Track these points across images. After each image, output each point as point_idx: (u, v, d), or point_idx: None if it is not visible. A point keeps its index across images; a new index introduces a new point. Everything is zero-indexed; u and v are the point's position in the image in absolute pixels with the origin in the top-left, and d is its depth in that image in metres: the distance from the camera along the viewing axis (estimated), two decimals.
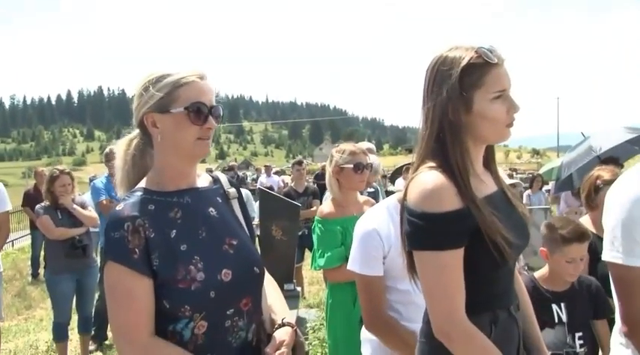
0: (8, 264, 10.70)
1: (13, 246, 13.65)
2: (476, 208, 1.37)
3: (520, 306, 1.62)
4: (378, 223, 2.16)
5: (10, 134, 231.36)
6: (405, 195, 1.44)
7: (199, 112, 1.43)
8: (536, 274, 2.71)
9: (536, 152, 71.06)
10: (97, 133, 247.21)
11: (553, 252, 2.56)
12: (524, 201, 9.34)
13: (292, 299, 5.28)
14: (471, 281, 1.39)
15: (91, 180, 11.26)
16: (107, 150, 5.59)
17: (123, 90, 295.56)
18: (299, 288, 6.15)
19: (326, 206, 3.00)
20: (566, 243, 2.50)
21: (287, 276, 5.53)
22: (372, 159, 4.67)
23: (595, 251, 2.63)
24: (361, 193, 3.24)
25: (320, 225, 2.93)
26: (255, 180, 18.22)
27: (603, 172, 3.00)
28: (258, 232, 5.70)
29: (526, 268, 4.89)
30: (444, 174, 1.39)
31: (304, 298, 6.83)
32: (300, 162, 7.04)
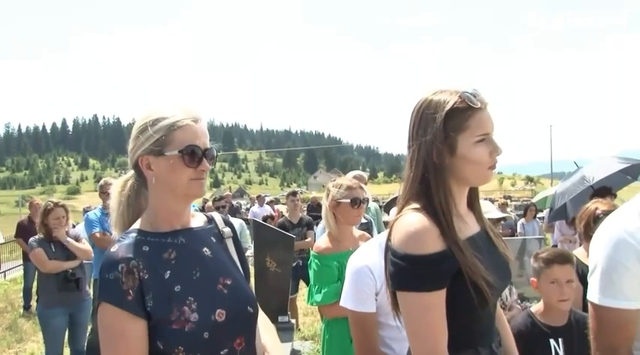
0: (0, 295, 10.62)
1: (5, 276, 13.54)
2: (458, 250, 1.40)
3: (502, 342, 1.65)
4: (371, 259, 2.18)
5: (4, 162, 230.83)
6: (389, 235, 1.47)
7: (193, 155, 1.46)
8: (533, 309, 2.73)
9: (530, 179, 71.34)
10: (91, 162, 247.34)
11: (539, 278, 2.63)
12: (519, 229, 9.36)
13: (286, 331, 5.26)
14: (453, 320, 1.41)
15: (85, 211, 11.24)
16: (102, 181, 5.60)
17: (118, 118, 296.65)
18: (293, 320, 6.12)
19: (322, 241, 3.01)
20: (547, 265, 2.60)
21: (281, 308, 5.51)
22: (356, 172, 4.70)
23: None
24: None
25: (316, 261, 2.93)
26: (249, 210, 18.24)
27: (601, 204, 3.05)
28: (251, 263, 5.70)
29: (519, 301, 4.88)
30: (428, 216, 1.42)
31: (299, 330, 6.77)
32: (294, 193, 7.04)
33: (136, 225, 1.52)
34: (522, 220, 9.41)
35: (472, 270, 1.39)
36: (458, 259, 1.39)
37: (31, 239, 4.76)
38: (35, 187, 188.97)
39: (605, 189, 5.56)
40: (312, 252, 3.03)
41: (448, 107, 1.43)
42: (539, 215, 11.38)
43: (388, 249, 1.47)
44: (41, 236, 4.70)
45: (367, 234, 3.18)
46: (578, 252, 3.10)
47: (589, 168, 5.95)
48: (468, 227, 1.51)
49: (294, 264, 6.15)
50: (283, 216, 8.58)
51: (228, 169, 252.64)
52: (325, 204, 2.95)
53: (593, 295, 1.59)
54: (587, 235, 3.03)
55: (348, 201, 2.86)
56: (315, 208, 13.38)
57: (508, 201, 43.34)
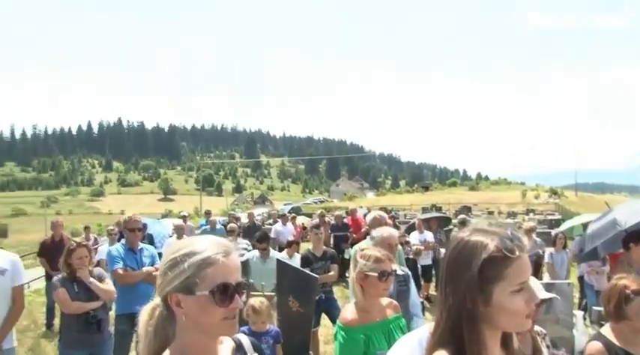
0: (25, 310, 10.67)
1: (29, 287, 13.63)
2: None
3: None
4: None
5: (30, 163, 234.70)
6: None
7: (225, 293, 1.39)
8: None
9: (554, 192, 70.16)
10: (115, 164, 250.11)
11: None
12: (546, 259, 9.14)
13: None
14: None
15: (109, 234, 11.30)
16: (126, 217, 5.59)
17: (142, 122, 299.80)
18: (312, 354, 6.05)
19: (349, 311, 2.92)
20: None
21: (302, 348, 5.42)
22: (385, 229, 4.63)
23: None
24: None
25: (342, 333, 2.85)
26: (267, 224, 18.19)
27: (628, 281, 2.92)
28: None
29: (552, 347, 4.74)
30: None
31: None
32: (317, 226, 6.98)
33: None
34: (552, 250, 9.17)
35: None
36: None
37: (55, 278, 4.75)
38: (60, 188, 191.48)
39: (638, 234, 5.38)
40: (337, 323, 2.95)
41: (485, 255, 1.36)
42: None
43: None
44: (64, 275, 4.68)
45: (395, 302, 3.09)
46: (607, 332, 2.96)
47: (621, 212, 5.79)
48: None
49: (317, 298, 6.09)
50: (307, 235, 8.45)
51: (250, 175, 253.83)
52: (352, 274, 2.88)
53: None
54: (618, 315, 2.90)
55: (376, 274, 2.78)
56: (339, 227, 13.29)
57: (531, 214, 42.86)
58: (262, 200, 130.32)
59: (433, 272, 11.28)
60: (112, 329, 5.03)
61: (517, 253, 1.36)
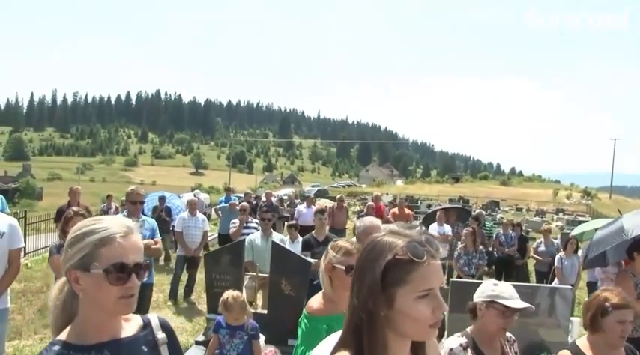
0: (41, 273, 10.99)
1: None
2: None
3: None
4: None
5: (69, 130, 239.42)
6: None
7: (120, 273, 1.43)
8: None
9: (587, 193, 68.59)
10: (150, 136, 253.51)
11: None
12: (556, 263, 9.00)
13: None
14: None
15: (122, 204, 11.52)
16: (129, 189, 5.68)
17: (179, 95, 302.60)
18: None
19: (316, 300, 2.91)
20: None
21: (292, 332, 5.45)
22: (368, 219, 4.58)
23: None
24: None
25: (306, 320, 2.84)
26: (291, 206, 18.20)
27: (611, 294, 2.84)
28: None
29: None
30: None
31: None
32: (322, 211, 6.97)
33: (63, 335, 1.49)
34: (562, 253, 9.03)
35: None
36: None
37: (52, 243, 4.86)
38: (96, 156, 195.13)
39: None
40: (304, 311, 2.94)
41: (390, 257, 1.31)
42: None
43: None
44: (62, 242, 4.79)
45: None
46: (582, 342, 2.90)
47: (629, 221, 5.60)
48: None
49: (315, 282, 6.10)
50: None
51: (282, 154, 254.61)
52: (322, 264, 2.86)
53: None
54: (593, 327, 2.84)
55: (344, 267, 2.75)
56: (365, 215, 13.07)
57: (560, 214, 42.06)
58: (291, 180, 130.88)
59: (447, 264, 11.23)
60: None
61: (425, 258, 1.30)
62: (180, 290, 9.33)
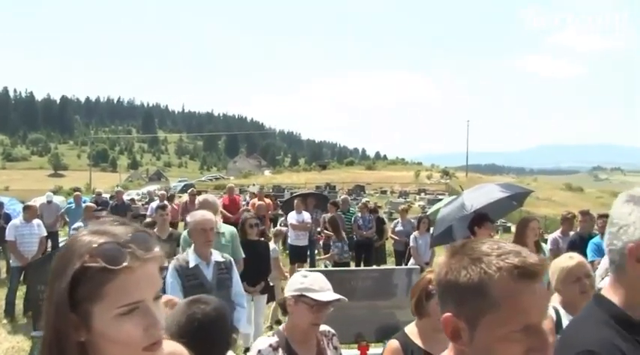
0: None
1: None
2: None
3: None
4: None
5: None
6: None
7: None
8: None
9: (445, 173, 73.06)
10: (0, 137, 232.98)
11: None
12: (411, 243, 9.18)
13: None
14: None
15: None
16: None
17: (31, 92, 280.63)
18: None
19: None
20: None
21: None
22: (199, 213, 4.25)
23: None
24: None
25: None
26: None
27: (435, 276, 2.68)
28: None
29: None
30: None
31: None
32: (163, 207, 6.47)
33: None
34: (416, 233, 9.24)
35: None
36: None
37: None
38: None
39: (483, 216, 5.35)
40: None
41: (78, 265, 0.96)
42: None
43: None
44: None
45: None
46: (410, 329, 2.72)
47: (469, 197, 5.75)
48: None
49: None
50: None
51: (147, 150, 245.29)
52: None
53: None
54: (419, 311, 2.66)
55: None
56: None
57: (422, 194, 44.22)
58: (157, 176, 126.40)
59: (308, 253, 11.17)
60: None
61: (126, 264, 0.97)
62: (20, 305, 8.37)
